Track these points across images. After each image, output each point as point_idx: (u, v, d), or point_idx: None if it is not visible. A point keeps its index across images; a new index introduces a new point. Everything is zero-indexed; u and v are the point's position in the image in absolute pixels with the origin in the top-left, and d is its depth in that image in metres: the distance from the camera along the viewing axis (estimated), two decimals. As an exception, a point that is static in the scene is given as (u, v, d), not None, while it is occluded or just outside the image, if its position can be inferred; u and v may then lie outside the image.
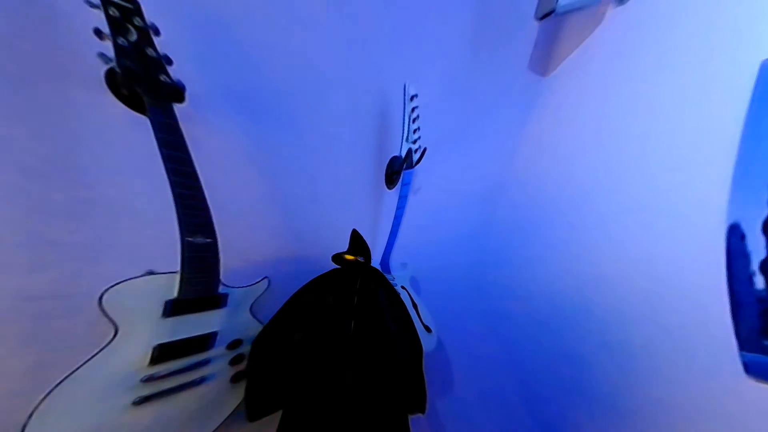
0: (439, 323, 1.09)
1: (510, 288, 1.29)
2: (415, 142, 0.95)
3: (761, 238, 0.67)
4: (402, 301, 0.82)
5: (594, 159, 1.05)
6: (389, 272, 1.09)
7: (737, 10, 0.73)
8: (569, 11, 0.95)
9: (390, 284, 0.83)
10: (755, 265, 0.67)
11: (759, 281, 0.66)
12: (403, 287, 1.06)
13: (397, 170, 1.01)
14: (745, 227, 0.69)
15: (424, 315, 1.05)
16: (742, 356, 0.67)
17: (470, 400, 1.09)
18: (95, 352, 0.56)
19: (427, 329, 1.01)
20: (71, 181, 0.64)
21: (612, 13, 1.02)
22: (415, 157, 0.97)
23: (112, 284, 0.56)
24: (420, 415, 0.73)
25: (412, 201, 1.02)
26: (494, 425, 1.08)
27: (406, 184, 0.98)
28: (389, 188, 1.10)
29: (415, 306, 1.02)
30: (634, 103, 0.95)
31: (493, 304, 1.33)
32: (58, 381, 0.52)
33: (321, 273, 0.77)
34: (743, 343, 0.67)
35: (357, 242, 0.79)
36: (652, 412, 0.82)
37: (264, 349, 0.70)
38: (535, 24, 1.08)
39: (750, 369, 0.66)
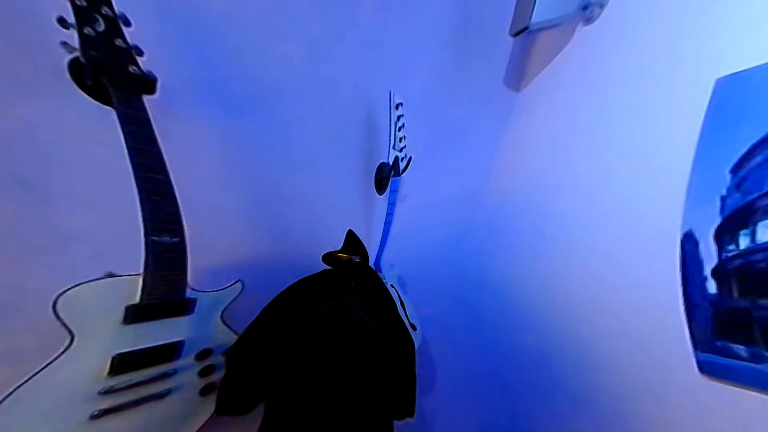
0: (422, 319, 1.11)
1: (486, 286, 1.34)
2: (401, 150, 0.97)
3: (713, 246, 0.71)
4: (394, 302, 0.80)
5: (562, 168, 1.11)
6: (380, 272, 1.12)
7: (695, 31, 0.79)
8: (541, 29, 0.99)
9: (383, 284, 0.81)
10: (708, 271, 0.71)
11: (711, 286, 0.71)
12: (392, 285, 1.08)
13: (386, 176, 1.03)
14: (699, 235, 0.74)
15: (410, 313, 1.07)
16: (696, 356, 0.71)
17: (448, 394, 1.11)
18: (48, 361, 0.52)
19: (413, 327, 1.03)
20: (28, 174, 0.59)
21: (580, 31, 1.08)
22: (402, 165, 0.99)
23: (67, 287, 0.52)
24: (409, 420, 0.71)
25: (399, 206, 1.04)
26: (471, 418, 1.11)
27: (394, 191, 1.00)
28: (379, 194, 1.11)
29: (402, 304, 1.04)
30: (598, 116, 1.01)
31: (471, 302, 1.38)
32: (6, 393, 0.49)
33: (302, 276, 0.73)
34: (697, 344, 0.72)
35: (352, 242, 0.76)
36: (614, 406, 0.86)
37: (246, 350, 0.66)
38: (511, 40, 1.12)
39: (704, 368, 0.70)
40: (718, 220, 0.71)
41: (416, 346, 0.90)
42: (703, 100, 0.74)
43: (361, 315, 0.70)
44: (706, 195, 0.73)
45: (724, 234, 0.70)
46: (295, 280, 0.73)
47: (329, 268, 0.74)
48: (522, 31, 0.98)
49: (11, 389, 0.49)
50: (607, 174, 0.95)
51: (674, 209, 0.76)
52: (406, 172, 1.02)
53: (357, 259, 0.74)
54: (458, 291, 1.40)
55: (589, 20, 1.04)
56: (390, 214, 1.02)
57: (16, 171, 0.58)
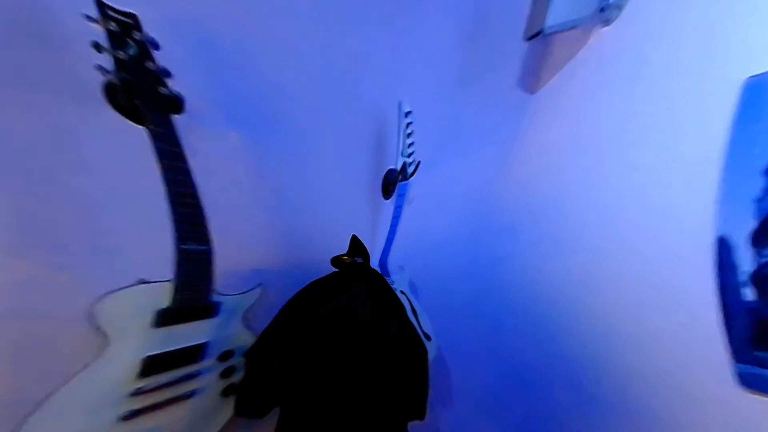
0: (436, 328, 1.09)
1: (505, 290, 1.30)
2: (409, 156, 0.98)
3: (750, 251, 0.68)
4: (402, 304, 0.81)
5: (584, 171, 1.08)
6: (388, 275, 1.11)
7: (721, 30, 0.76)
8: (556, 32, 0.98)
9: (389, 286, 0.83)
10: (744, 277, 0.68)
11: (748, 293, 0.67)
12: (402, 292, 1.06)
13: (392, 182, 1.04)
14: (733, 240, 0.70)
15: (423, 322, 1.05)
16: (735, 367, 0.67)
17: (468, 407, 1.08)
18: (86, 365, 0.55)
19: (427, 337, 1.01)
20: (68, 190, 0.64)
21: (598, 33, 1.06)
22: (410, 170, 1.00)
23: (103, 294, 0.56)
24: (418, 421, 0.71)
25: (409, 211, 1.04)
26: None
27: (401, 195, 1.01)
28: (385, 199, 1.13)
29: (414, 312, 1.02)
30: (619, 120, 0.98)
31: (489, 307, 1.33)
32: (47, 395, 0.52)
33: (317, 278, 0.76)
34: (736, 354, 0.68)
35: (355, 246, 0.80)
36: (646, 421, 0.81)
37: (262, 351, 0.68)
38: (524, 44, 1.12)
39: (743, 380, 0.66)
40: (753, 224, 0.67)
41: (431, 357, 0.89)
42: (731, 101, 0.71)
43: (363, 304, 0.72)
44: (739, 198, 0.70)
45: (761, 238, 0.66)
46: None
47: (337, 270, 0.79)
48: (536, 35, 0.98)
49: (51, 392, 0.52)
50: (632, 177, 0.92)
51: (706, 213, 0.73)
52: (416, 176, 1.03)
53: (359, 260, 0.79)
54: (475, 296, 1.37)
55: (606, 22, 1.02)
56: (396, 217, 1.03)
57: (61, 180, 0.63)
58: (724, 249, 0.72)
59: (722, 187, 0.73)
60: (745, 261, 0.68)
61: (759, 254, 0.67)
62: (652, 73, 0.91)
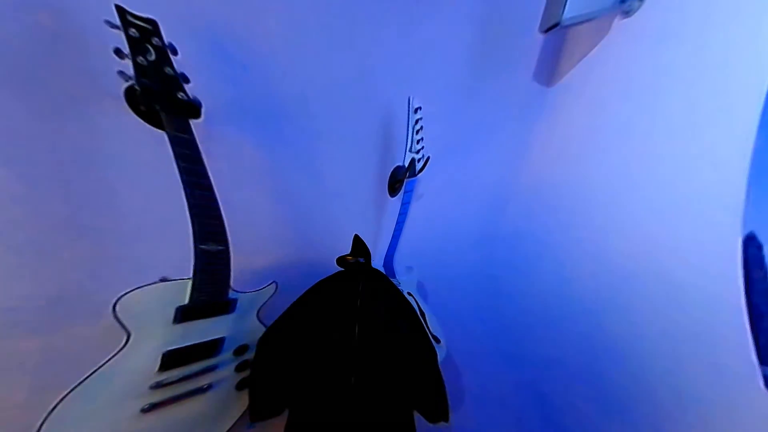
0: (446, 330, 1.07)
1: (518, 290, 1.28)
2: (418, 152, 0.97)
3: (779, 249, 0.65)
4: (409, 303, 0.81)
5: (601, 168, 1.04)
6: (394, 276, 1.10)
7: (749, 22, 0.72)
8: (574, 24, 0.96)
9: (394, 285, 0.83)
10: (773, 276, 0.65)
11: (777, 292, 0.64)
12: (409, 293, 1.05)
13: (399, 179, 1.03)
14: (762, 237, 0.67)
15: (432, 324, 1.04)
16: (763, 370, 0.64)
17: (480, 412, 1.06)
18: (107, 359, 0.57)
19: (436, 340, 0.99)
20: (91, 191, 0.67)
21: (618, 24, 1.02)
22: (418, 166, 0.99)
23: (126, 291, 0.58)
24: (444, 423, 0.70)
25: (419, 208, 1.03)
26: None
27: (409, 192, 1.00)
28: (391, 196, 1.12)
29: (422, 314, 1.01)
30: (640, 113, 0.94)
31: (502, 308, 1.31)
32: (70, 387, 0.54)
33: (327, 275, 0.77)
34: (764, 357, 0.65)
35: (357, 245, 0.81)
36: (669, 426, 0.79)
37: (267, 352, 0.70)
38: (540, 36, 1.09)
39: (771, 384, 0.63)
40: (783, 222, 0.64)
41: (440, 359, 0.89)
42: (760, 94, 0.68)
43: (363, 305, 0.73)
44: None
45: (792, 236, 0.63)
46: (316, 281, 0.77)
47: (342, 270, 0.80)
48: (553, 27, 0.95)
49: (75, 384, 0.54)
50: (656, 173, 0.88)
51: (734, 211, 0.70)
52: (426, 173, 1.02)
53: (362, 260, 0.79)
54: (487, 296, 1.34)
55: (627, 13, 0.99)
56: (403, 214, 1.02)
57: (85, 182, 0.66)
58: (751, 247, 0.69)
59: (750, 182, 0.70)
60: (775, 260, 0.65)
61: (790, 253, 0.64)
62: (675, 67, 0.87)
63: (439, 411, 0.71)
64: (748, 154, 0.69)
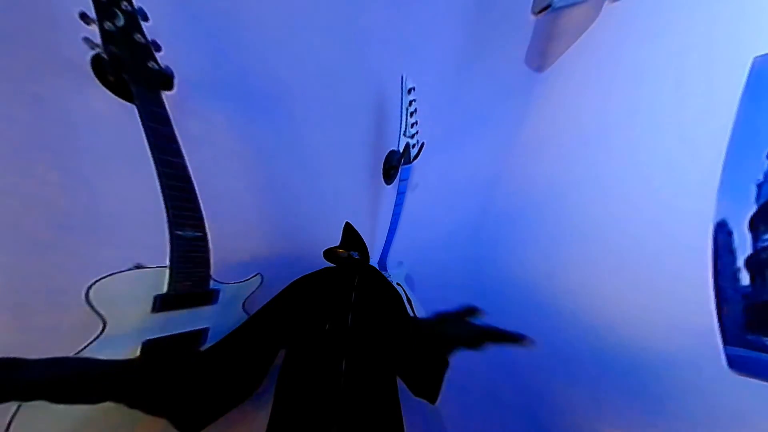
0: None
1: (506, 281, 1.30)
2: (413, 136, 0.93)
3: (748, 235, 0.68)
4: (404, 304, 0.78)
5: (588, 154, 1.06)
6: (385, 270, 1.08)
7: (732, 7, 0.74)
8: (566, 6, 0.95)
9: (390, 283, 0.79)
10: (741, 262, 0.69)
11: (744, 277, 0.68)
12: (398, 284, 1.06)
13: (394, 165, 0.99)
14: (732, 224, 0.71)
15: (418, 311, 1.05)
16: (726, 350, 0.69)
17: (466, 408, 1.08)
18: (81, 347, 0.54)
19: None
20: (54, 170, 0.61)
21: (610, 7, 1.02)
22: (413, 152, 0.95)
23: (98, 277, 0.55)
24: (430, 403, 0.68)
25: (408, 197, 1.00)
26: (491, 425, 1.08)
27: (404, 180, 0.96)
28: (387, 184, 1.08)
29: (409, 301, 1.02)
30: (627, 98, 0.96)
31: (489, 299, 1.31)
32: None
33: (316, 269, 0.72)
34: (727, 338, 0.69)
35: (350, 236, 0.73)
36: (640, 403, 0.84)
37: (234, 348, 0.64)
38: (532, 19, 1.07)
39: (733, 363, 0.68)
40: (753, 208, 0.68)
41: None
42: (739, 81, 0.69)
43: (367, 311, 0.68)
44: (741, 181, 0.70)
45: (760, 223, 0.67)
46: (302, 275, 0.70)
47: (332, 265, 0.72)
48: (545, 9, 0.94)
49: None
50: (636, 160, 0.91)
51: (707, 197, 0.73)
52: (418, 160, 0.97)
53: (356, 255, 0.71)
54: (475, 287, 1.35)
55: (617, -4, 0.98)
56: (399, 204, 0.98)
57: (50, 162, 0.60)
58: (722, 234, 0.72)
59: (725, 170, 0.73)
60: (743, 245, 0.69)
61: (756, 239, 0.68)
62: (662, 50, 0.88)
63: (424, 387, 0.67)
64: (725, 143, 0.72)
